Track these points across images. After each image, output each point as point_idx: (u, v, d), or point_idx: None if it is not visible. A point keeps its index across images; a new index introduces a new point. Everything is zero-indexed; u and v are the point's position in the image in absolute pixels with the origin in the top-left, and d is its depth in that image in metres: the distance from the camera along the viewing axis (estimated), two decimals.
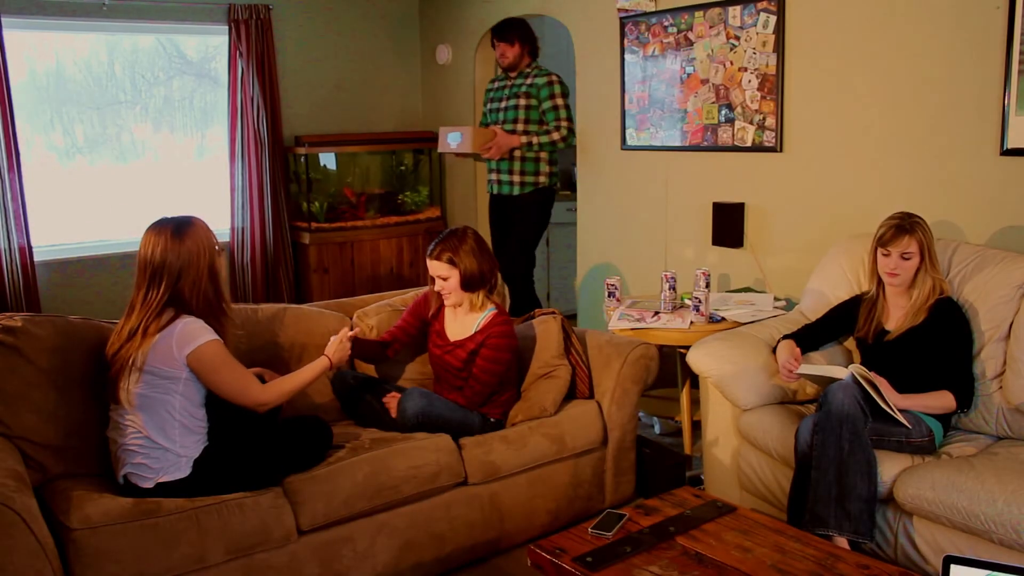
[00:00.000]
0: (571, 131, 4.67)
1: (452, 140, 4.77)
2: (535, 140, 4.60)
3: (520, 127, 4.68)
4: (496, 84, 4.89)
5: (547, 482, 3.07)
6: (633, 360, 3.23)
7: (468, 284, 3.02)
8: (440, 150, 4.86)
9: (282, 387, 2.65)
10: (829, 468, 2.56)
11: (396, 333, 3.18)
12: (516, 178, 4.72)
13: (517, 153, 4.65)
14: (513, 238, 4.79)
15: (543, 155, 4.69)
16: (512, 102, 4.71)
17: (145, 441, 2.44)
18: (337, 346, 2.80)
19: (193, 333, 2.44)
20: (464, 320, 3.09)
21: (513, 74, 4.74)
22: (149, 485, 2.44)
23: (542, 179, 4.72)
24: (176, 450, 2.46)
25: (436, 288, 3.05)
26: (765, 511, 2.79)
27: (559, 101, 4.63)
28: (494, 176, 4.82)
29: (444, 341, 3.12)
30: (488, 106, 4.89)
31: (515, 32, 4.66)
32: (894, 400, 2.69)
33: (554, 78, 4.64)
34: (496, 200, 4.89)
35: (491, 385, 3.02)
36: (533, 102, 4.66)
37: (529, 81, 4.66)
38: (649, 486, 3.32)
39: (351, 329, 2.89)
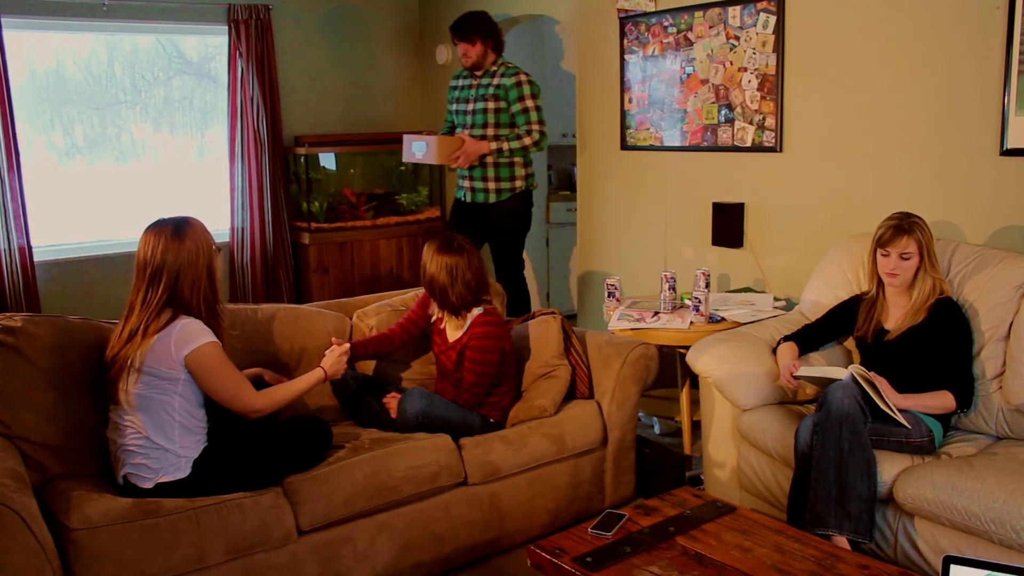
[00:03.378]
0: (543, 134, 4.39)
1: (417, 150, 4.47)
2: (506, 146, 4.32)
3: (491, 132, 4.41)
4: (461, 83, 4.56)
5: (547, 482, 3.07)
6: (633, 360, 3.23)
7: (423, 282, 3.06)
8: (405, 159, 4.57)
9: (275, 396, 2.64)
10: (829, 468, 2.56)
11: (405, 324, 3.19)
12: (492, 184, 4.47)
13: (489, 159, 4.40)
14: (497, 245, 4.59)
15: (517, 159, 4.45)
16: (480, 105, 4.42)
17: (145, 442, 2.44)
18: (334, 359, 2.81)
19: (192, 334, 2.44)
20: (458, 321, 3.10)
21: (479, 73, 4.45)
22: (149, 485, 2.44)
23: (518, 183, 4.49)
24: (176, 450, 2.46)
25: None
26: (765, 511, 2.79)
27: (529, 103, 4.35)
28: (467, 183, 4.55)
29: (443, 340, 3.12)
30: (454, 106, 4.60)
31: (475, 29, 4.34)
32: (894, 400, 2.69)
33: (523, 77, 4.36)
34: (469, 208, 4.59)
35: (481, 385, 3.02)
36: (502, 104, 4.37)
37: (496, 81, 4.37)
38: (649, 486, 3.32)
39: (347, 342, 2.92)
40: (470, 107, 4.47)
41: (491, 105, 4.39)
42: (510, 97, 4.35)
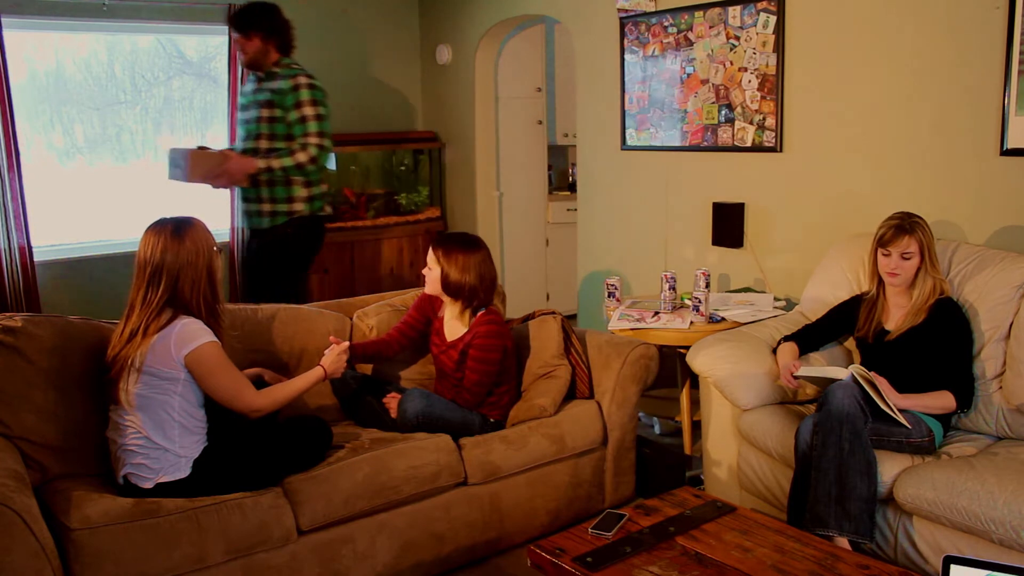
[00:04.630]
0: (323, 149, 3.70)
1: (176, 167, 3.81)
2: (276, 164, 3.67)
3: (264, 144, 3.75)
4: (248, 87, 3.94)
5: (547, 482, 3.07)
6: (633, 360, 3.23)
7: (447, 288, 3.03)
8: (169, 178, 3.86)
9: (276, 395, 2.64)
10: (829, 468, 2.56)
11: (403, 328, 3.18)
12: (266, 207, 3.83)
13: (263, 177, 3.74)
14: (267, 279, 3.88)
15: (296, 177, 3.77)
16: (254, 113, 3.79)
17: (144, 441, 2.44)
18: (333, 358, 2.80)
19: (192, 334, 2.44)
20: (459, 321, 3.10)
21: (261, 75, 3.84)
22: (149, 485, 2.44)
23: (298, 206, 3.82)
24: (176, 450, 2.46)
25: (423, 270, 3.09)
26: (765, 511, 2.79)
27: (308, 111, 3.71)
28: (244, 206, 3.94)
29: (442, 341, 3.12)
30: (238, 116, 3.99)
31: (252, 22, 3.74)
32: (894, 400, 2.69)
33: (301, 80, 3.73)
34: (251, 235, 3.98)
35: (484, 384, 3.02)
36: (277, 112, 3.73)
37: (275, 85, 3.76)
38: (649, 486, 3.32)
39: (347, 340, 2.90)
40: (246, 115, 3.86)
41: (265, 113, 3.75)
42: (286, 103, 3.72)
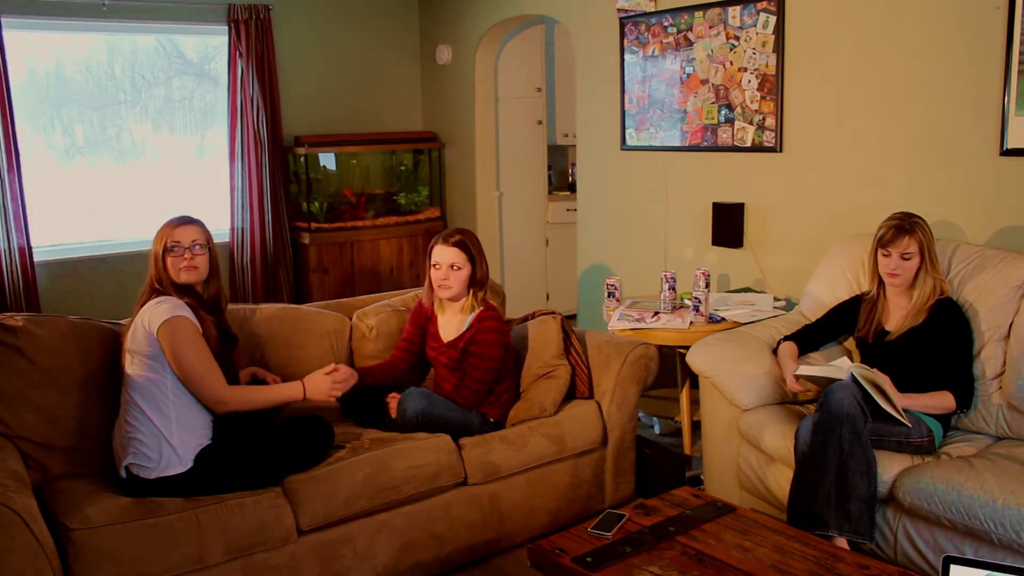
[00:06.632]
0: None
1: None
2: None
3: None
4: None
5: (547, 482, 3.07)
6: (633, 360, 3.23)
7: (479, 284, 3.05)
8: None
9: (247, 394, 2.62)
10: (829, 468, 2.56)
11: (405, 346, 3.18)
12: None
13: None
14: None
15: None
16: None
17: (144, 423, 2.46)
18: (317, 379, 2.72)
19: (164, 309, 2.48)
20: (455, 321, 3.09)
21: None
22: (151, 476, 2.44)
23: None
24: (173, 429, 2.47)
25: (440, 277, 3.01)
26: (765, 511, 2.79)
27: None
28: None
29: (438, 343, 3.12)
30: None
31: None
32: (896, 398, 2.68)
33: None
34: None
35: (486, 383, 3.02)
36: None
37: None
38: (649, 486, 3.32)
39: (341, 371, 2.80)
40: None
41: None
42: None
